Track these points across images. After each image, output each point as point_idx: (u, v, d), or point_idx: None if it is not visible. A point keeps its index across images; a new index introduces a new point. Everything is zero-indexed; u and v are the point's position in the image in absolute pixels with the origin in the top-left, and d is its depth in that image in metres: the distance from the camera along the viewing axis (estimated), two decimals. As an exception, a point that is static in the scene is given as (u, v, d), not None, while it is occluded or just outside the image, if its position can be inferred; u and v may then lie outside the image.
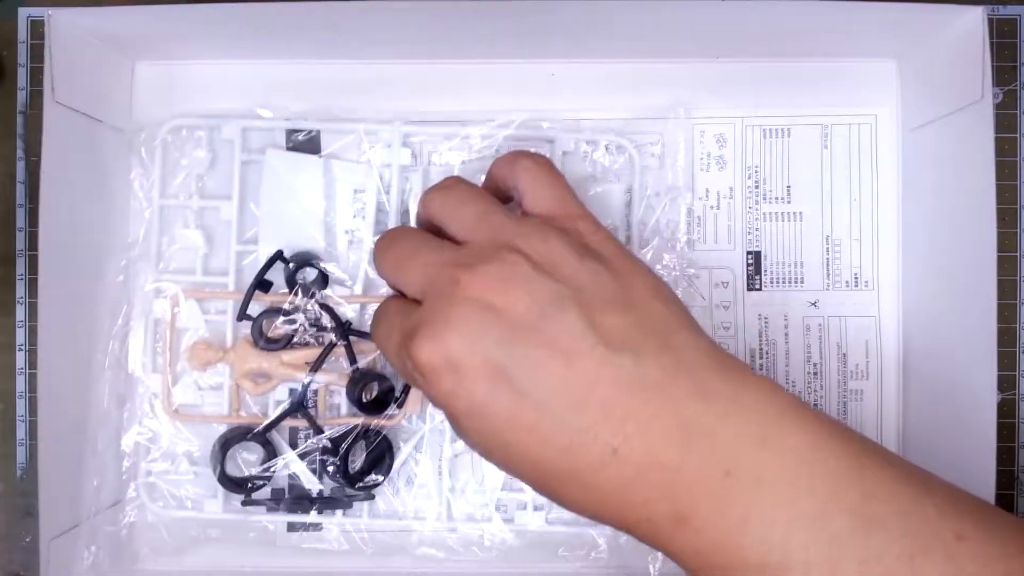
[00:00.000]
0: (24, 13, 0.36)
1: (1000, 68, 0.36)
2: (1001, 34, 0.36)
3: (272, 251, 0.35)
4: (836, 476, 0.22)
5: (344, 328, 0.34)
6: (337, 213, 0.36)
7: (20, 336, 0.36)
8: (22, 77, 0.36)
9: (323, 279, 0.35)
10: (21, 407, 0.36)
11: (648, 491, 0.22)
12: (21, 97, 0.36)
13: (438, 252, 0.25)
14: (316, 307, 0.34)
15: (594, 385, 0.22)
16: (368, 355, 0.34)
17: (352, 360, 0.34)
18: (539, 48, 0.35)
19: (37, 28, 0.36)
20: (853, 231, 0.36)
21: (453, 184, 0.27)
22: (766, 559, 0.21)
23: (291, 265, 0.34)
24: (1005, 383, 0.36)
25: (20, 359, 0.36)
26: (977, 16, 0.30)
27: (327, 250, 0.36)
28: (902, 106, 0.36)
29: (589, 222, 0.26)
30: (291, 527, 0.36)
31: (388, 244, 0.27)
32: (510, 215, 0.26)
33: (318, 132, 0.36)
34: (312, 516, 0.35)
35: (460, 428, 0.24)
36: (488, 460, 0.25)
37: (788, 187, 0.36)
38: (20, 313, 0.36)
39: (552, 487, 0.24)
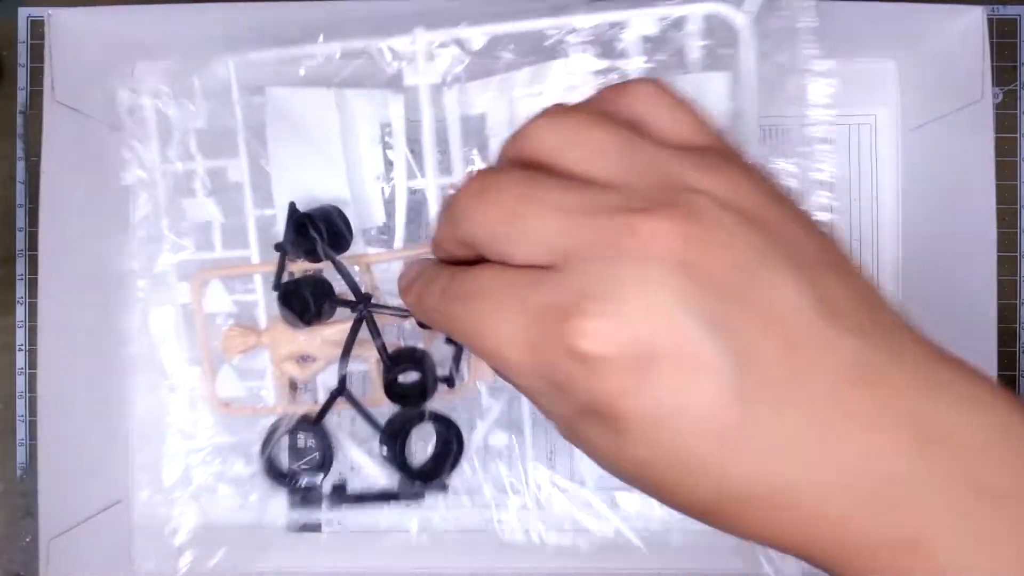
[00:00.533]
0: (24, 13, 0.36)
1: (1000, 68, 0.36)
2: (1001, 34, 0.36)
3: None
4: None
5: (363, 300, 0.29)
6: (362, 156, 0.32)
7: (20, 336, 0.36)
8: (22, 77, 0.36)
9: (341, 236, 0.30)
10: (21, 407, 0.36)
11: (871, 511, 0.17)
12: (21, 97, 0.36)
13: (579, 195, 0.17)
14: (349, 271, 0.30)
15: (814, 375, 0.16)
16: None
17: (377, 338, 0.29)
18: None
19: (37, 28, 0.36)
20: (853, 231, 0.36)
21: (566, 110, 0.19)
22: None
23: (306, 224, 0.29)
24: (1005, 383, 0.36)
25: (20, 359, 0.36)
26: (977, 16, 0.30)
27: (354, 201, 0.32)
28: (902, 106, 0.36)
29: (744, 157, 0.19)
30: (291, 527, 0.36)
31: (483, 189, 0.18)
32: (661, 146, 0.18)
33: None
34: (385, 512, 0.33)
35: (620, 442, 0.17)
36: (641, 483, 0.18)
37: (788, 188, 0.36)
38: (20, 313, 0.36)
39: (730, 512, 0.17)
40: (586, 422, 0.17)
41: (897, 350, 0.17)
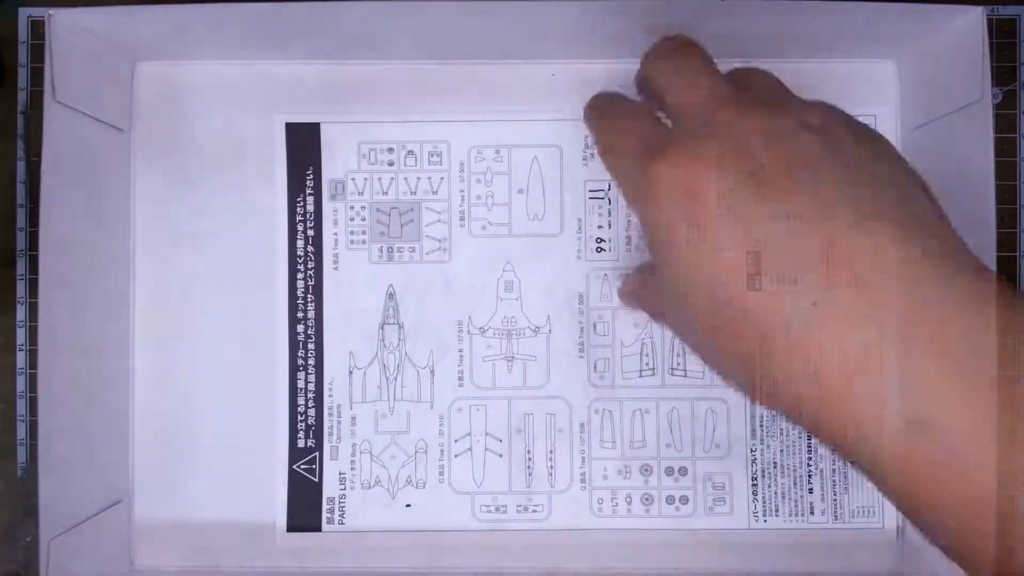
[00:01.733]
0: (24, 13, 0.36)
1: (1000, 68, 0.36)
2: (1001, 34, 0.36)
3: None
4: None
5: None
6: None
7: (20, 336, 0.36)
8: (22, 77, 0.37)
9: None
10: (21, 407, 0.36)
11: (878, 381, 0.19)
12: (21, 97, 0.36)
13: (712, 79, 0.24)
14: None
15: (838, 249, 0.20)
16: None
17: None
18: (539, 48, 0.35)
19: (37, 28, 0.36)
20: (853, 231, 0.36)
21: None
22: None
23: None
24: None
25: (20, 359, 0.36)
26: (976, 16, 0.30)
27: None
28: (901, 106, 0.36)
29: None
30: (291, 527, 0.36)
31: (678, 49, 0.26)
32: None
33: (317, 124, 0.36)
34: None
35: (672, 255, 0.22)
36: (674, 294, 0.23)
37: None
38: (20, 313, 0.36)
39: (742, 343, 0.21)
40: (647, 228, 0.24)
41: (939, 255, 0.20)
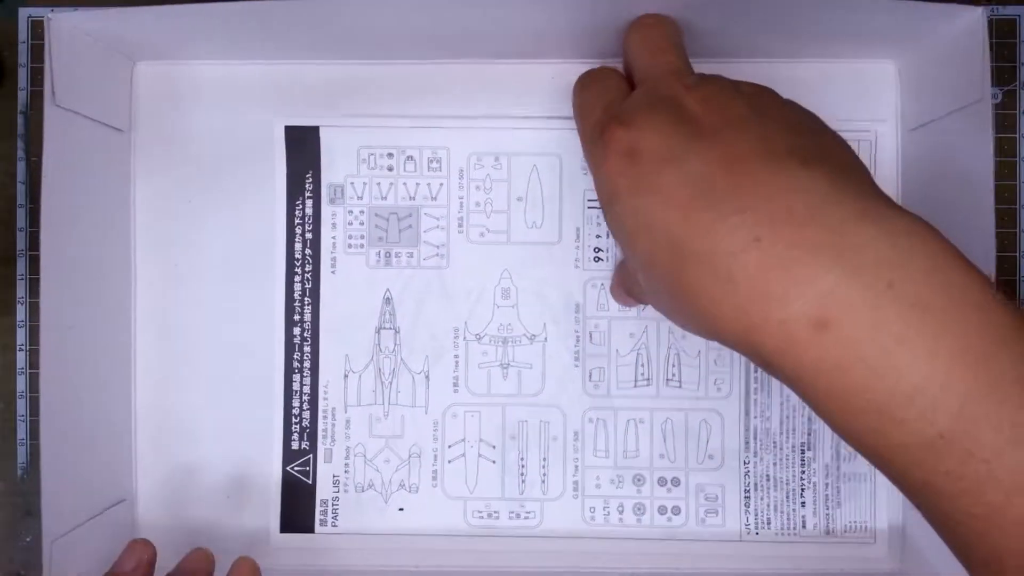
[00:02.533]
0: (24, 13, 0.37)
1: (1000, 68, 0.36)
2: (1001, 34, 0.36)
3: None
4: (1006, 326, 0.20)
5: None
6: None
7: (21, 336, 0.36)
8: (23, 77, 0.37)
9: None
10: (22, 407, 0.36)
11: (787, 285, 0.21)
12: (22, 97, 0.37)
13: (672, 55, 0.27)
14: None
15: (760, 185, 0.22)
16: None
17: None
18: (539, 48, 0.35)
19: (38, 28, 0.36)
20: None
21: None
22: (918, 390, 0.20)
23: None
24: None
25: (21, 359, 0.36)
26: (977, 17, 0.30)
27: None
28: (902, 106, 0.36)
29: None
30: (284, 528, 0.36)
31: (652, 25, 0.29)
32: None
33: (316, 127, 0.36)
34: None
35: (617, 207, 0.24)
36: (623, 243, 0.25)
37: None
38: (21, 313, 0.37)
39: (679, 275, 0.23)
40: (600, 193, 0.26)
41: (844, 187, 0.22)
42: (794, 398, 0.36)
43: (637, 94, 0.26)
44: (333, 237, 0.36)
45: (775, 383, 0.36)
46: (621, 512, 0.35)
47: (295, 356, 0.36)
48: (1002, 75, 0.36)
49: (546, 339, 0.36)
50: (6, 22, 0.37)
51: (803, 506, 0.36)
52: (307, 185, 0.36)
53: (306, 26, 0.33)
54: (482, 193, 0.36)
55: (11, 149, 0.36)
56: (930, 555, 0.34)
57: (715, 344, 0.35)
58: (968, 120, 0.31)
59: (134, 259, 0.36)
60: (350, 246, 0.36)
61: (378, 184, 0.36)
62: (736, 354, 0.35)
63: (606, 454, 0.36)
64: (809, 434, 0.36)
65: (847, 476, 0.35)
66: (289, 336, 0.36)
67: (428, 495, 0.36)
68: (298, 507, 0.36)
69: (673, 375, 0.35)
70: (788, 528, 0.36)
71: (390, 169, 0.36)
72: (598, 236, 0.36)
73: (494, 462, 0.36)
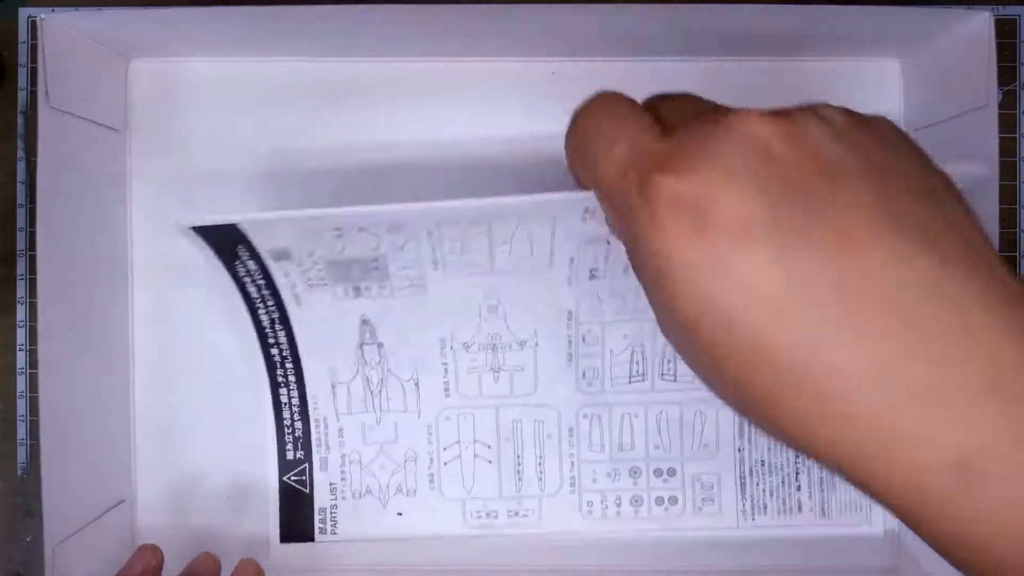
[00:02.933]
0: (24, 13, 0.36)
1: (1000, 68, 0.36)
2: (1001, 34, 0.36)
3: None
4: None
5: None
6: None
7: (20, 336, 0.36)
8: (23, 77, 0.37)
9: None
10: (22, 407, 0.36)
11: (922, 424, 0.16)
12: (22, 97, 0.36)
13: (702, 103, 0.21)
14: None
15: (871, 281, 0.17)
16: None
17: None
18: (539, 48, 0.35)
19: (37, 28, 0.36)
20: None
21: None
22: None
23: None
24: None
25: (20, 359, 0.36)
26: (983, 21, 0.29)
27: None
28: (906, 107, 0.36)
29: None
30: (284, 537, 0.36)
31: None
32: None
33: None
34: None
35: (669, 286, 0.18)
36: (672, 326, 0.19)
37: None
38: (20, 313, 0.36)
39: (762, 388, 0.18)
40: (638, 256, 0.19)
41: (987, 287, 0.17)
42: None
43: (694, 125, 0.19)
44: (289, 279, 0.32)
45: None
46: (619, 504, 0.35)
47: (278, 372, 0.35)
48: (1002, 75, 0.36)
49: (537, 344, 0.34)
50: (6, 22, 0.36)
51: (799, 489, 0.35)
52: (241, 254, 0.31)
53: (302, 27, 0.33)
54: (459, 243, 0.31)
55: (11, 149, 0.36)
56: (919, 553, 0.34)
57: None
58: (972, 125, 0.31)
59: (132, 258, 0.36)
60: (311, 286, 0.32)
61: (330, 247, 0.31)
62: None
63: (601, 448, 0.35)
64: None
65: None
66: (268, 356, 0.34)
67: (426, 498, 0.36)
68: (297, 516, 0.35)
69: (668, 369, 0.35)
70: (785, 513, 0.36)
71: (339, 236, 0.30)
72: (595, 257, 0.33)
73: (490, 462, 0.35)
